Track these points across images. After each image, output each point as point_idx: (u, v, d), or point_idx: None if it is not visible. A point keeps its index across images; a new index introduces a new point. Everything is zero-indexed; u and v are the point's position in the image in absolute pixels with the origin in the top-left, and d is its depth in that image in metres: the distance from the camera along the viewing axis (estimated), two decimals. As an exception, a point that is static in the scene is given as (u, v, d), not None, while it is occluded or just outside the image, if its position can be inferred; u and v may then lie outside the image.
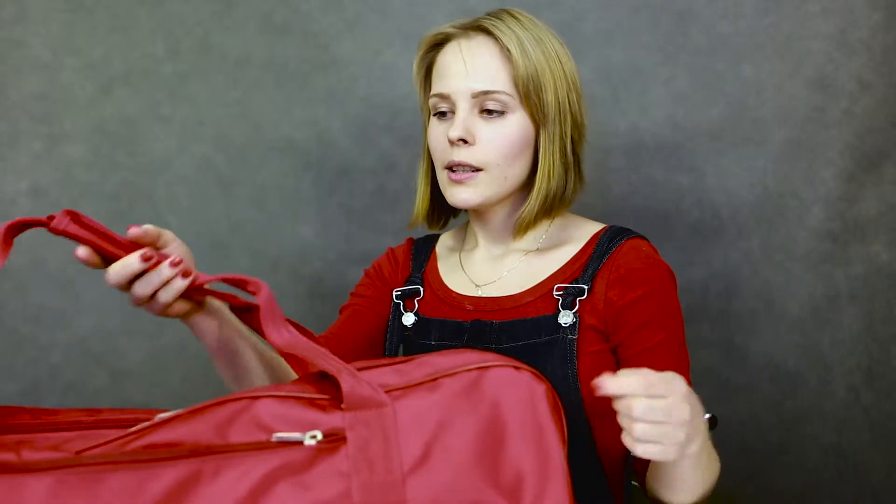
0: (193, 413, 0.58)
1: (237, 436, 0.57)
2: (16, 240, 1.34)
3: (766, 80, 1.30)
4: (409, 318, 0.99)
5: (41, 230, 0.72)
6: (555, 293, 0.91)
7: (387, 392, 0.60)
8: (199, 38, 1.37)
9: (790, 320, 1.31)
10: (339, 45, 1.38)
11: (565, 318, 0.89)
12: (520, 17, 0.93)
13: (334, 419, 0.59)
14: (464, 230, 1.08)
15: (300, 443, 0.57)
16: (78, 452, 0.54)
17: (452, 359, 0.63)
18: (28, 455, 0.53)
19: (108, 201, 1.37)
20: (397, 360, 0.65)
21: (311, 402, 0.60)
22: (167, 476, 0.54)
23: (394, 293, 1.03)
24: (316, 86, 1.38)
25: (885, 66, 1.26)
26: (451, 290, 0.99)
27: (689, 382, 0.88)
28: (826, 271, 1.30)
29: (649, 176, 1.35)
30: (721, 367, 1.33)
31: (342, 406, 0.59)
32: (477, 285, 0.99)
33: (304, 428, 0.58)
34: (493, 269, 0.99)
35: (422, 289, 1.01)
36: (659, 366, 0.86)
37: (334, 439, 0.58)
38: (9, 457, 0.52)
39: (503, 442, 0.60)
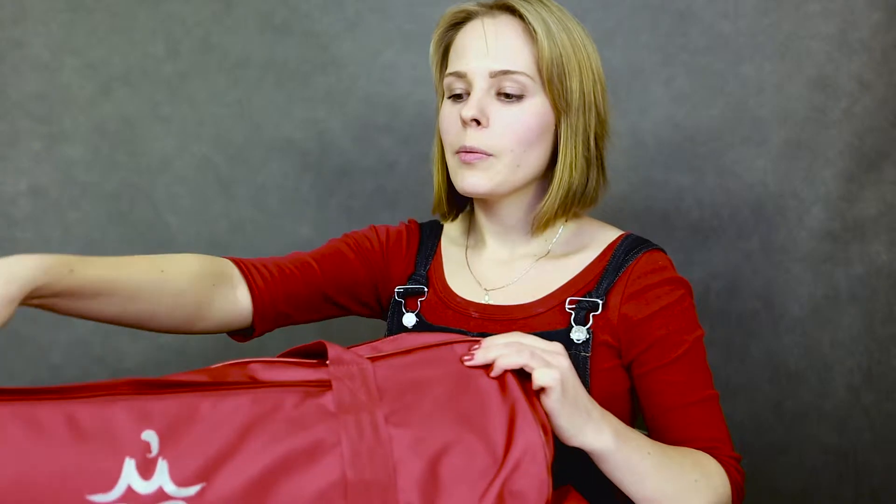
0: (187, 372, 0.63)
1: (232, 379, 0.63)
2: (16, 240, 1.35)
3: (766, 80, 1.30)
4: (410, 319, 0.96)
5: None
6: (567, 307, 0.87)
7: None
8: (199, 38, 1.37)
9: (790, 320, 1.31)
10: (339, 45, 1.38)
11: (578, 334, 0.85)
12: (548, 3, 0.88)
13: (320, 373, 0.65)
14: (468, 221, 1.02)
15: (290, 384, 0.63)
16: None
17: (422, 338, 0.70)
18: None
19: (108, 201, 1.37)
20: (372, 341, 0.72)
21: (297, 364, 0.66)
22: (169, 403, 0.59)
23: (395, 291, 0.99)
24: (316, 86, 1.38)
25: (885, 66, 1.26)
26: (456, 295, 0.95)
27: (717, 397, 0.87)
28: (826, 271, 1.30)
29: (649, 176, 1.35)
30: (721, 367, 1.33)
31: (327, 364, 0.66)
32: (485, 290, 0.94)
33: (292, 379, 0.64)
34: (501, 273, 0.95)
35: (426, 289, 0.97)
36: (675, 382, 0.84)
37: (320, 385, 0.64)
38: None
39: (474, 389, 0.66)
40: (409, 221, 1.06)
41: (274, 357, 0.68)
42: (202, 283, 0.84)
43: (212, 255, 1.32)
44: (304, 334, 1.25)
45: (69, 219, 1.37)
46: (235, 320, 0.89)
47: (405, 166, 1.38)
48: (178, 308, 0.81)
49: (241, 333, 0.92)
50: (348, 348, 0.70)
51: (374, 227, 1.04)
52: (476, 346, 0.69)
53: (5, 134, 1.35)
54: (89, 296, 0.73)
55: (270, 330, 0.94)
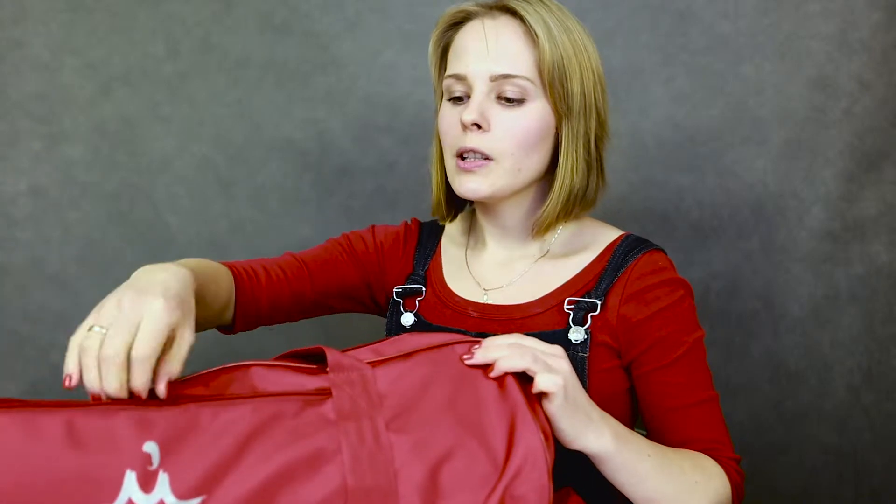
0: (184, 380, 0.63)
1: (233, 385, 0.63)
2: (16, 240, 1.35)
3: (766, 80, 1.30)
4: (408, 319, 0.96)
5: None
6: (566, 307, 0.87)
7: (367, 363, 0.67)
8: (199, 38, 1.37)
9: (790, 320, 1.31)
10: (339, 45, 1.38)
11: (576, 334, 0.85)
12: (548, 2, 0.86)
13: (320, 381, 0.65)
14: (469, 221, 1.02)
15: (290, 393, 0.63)
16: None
17: (423, 339, 0.70)
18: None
19: (108, 201, 1.37)
20: (372, 342, 0.71)
21: (297, 369, 0.66)
22: (169, 412, 0.58)
23: (394, 290, 0.99)
24: (316, 86, 1.38)
25: (885, 66, 1.26)
26: (455, 294, 0.94)
27: (717, 398, 0.86)
28: (826, 271, 1.30)
29: (649, 176, 1.35)
30: (721, 367, 1.33)
31: (327, 370, 0.65)
32: (484, 290, 0.94)
33: (292, 388, 0.64)
34: (501, 273, 0.94)
35: (424, 288, 0.97)
36: (675, 383, 0.84)
37: (321, 393, 0.63)
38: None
39: (475, 393, 0.66)
40: (412, 220, 1.06)
41: (273, 359, 0.67)
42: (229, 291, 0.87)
43: (211, 254, 1.33)
44: (304, 332, 1.26)
45: (69, 219, 1.37)
46: (222, 320, 0.90)
47: (405, 166, 1.38)
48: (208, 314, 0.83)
49: (223, 328, 0.93)
50: (350, 350, 0.69)
51: (374, 227, 1.04)
52: (476, 346, 0.69)
53: (5, 134, 1.35)
54: None
55: (252, 329, 0.95)
